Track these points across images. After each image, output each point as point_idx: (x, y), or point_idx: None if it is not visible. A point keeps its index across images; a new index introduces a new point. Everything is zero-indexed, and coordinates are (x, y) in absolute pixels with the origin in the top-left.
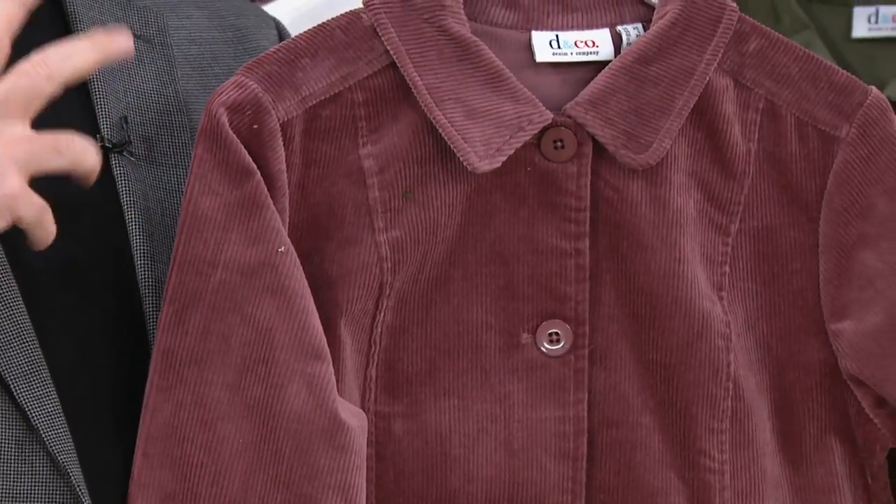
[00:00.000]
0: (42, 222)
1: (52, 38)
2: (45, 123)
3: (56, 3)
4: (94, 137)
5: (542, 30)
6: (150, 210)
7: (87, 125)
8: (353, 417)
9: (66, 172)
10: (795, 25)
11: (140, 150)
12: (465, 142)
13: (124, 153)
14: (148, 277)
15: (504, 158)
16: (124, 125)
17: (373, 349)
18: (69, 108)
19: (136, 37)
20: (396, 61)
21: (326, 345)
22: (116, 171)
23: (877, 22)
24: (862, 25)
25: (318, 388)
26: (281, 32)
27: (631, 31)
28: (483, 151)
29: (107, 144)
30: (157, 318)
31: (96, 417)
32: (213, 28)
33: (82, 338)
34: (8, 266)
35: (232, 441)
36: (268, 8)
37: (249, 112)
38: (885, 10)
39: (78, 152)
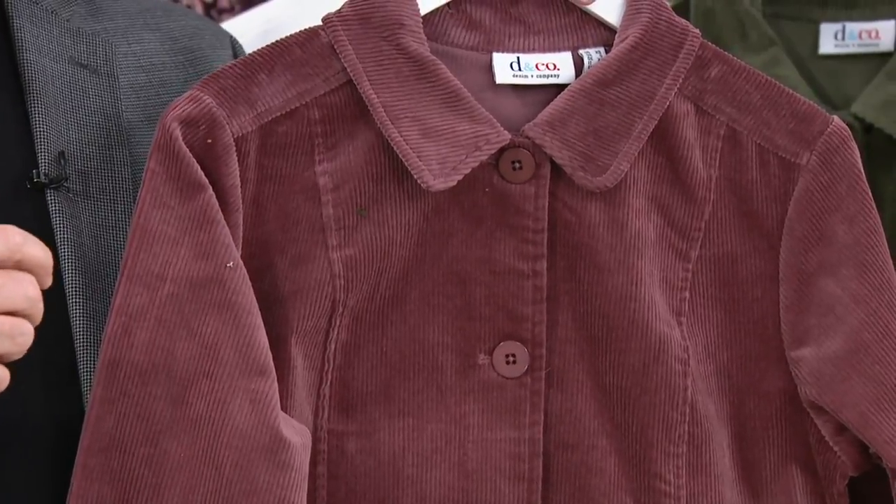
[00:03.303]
0: None
1: None
2: None
3: (2, 27)
4: (31, 171)
5: (503, 52)
6: (84, 246)
7: (26, 158)
8: (297, 435)
9: None
10: (762, 42)
11: (77, 185)
12: (421, 160)
13: (61, 189)
14: (81, 314)
15: (459, 177)
16: (62, 160)
17: (326, 367)
18: (7, 140)
19: (83, 66)
20: (353, 79)
21: (272, 361)
22: (52, 207)
23: (843, 38)
24: (829, 42)
25: (261, 405)
26: (236, 52)
27: (593, 55)
28: (438, 170)
29: (43, 180)
30: (89, 354)
31: (22, 449)
32: (163, 52)
33: (13, 375)
34: None
35: (173, 455)
36: (232, 23)
37: (203, 126)
38: (852, 27)
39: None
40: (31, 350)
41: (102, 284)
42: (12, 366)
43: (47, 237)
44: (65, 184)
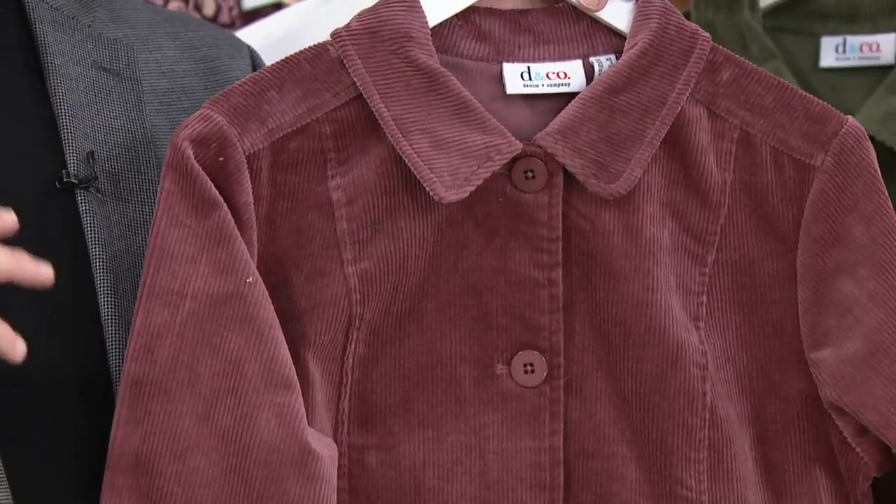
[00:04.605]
0: None
1: (22, 70)
2: (11, 158)
3: (26, 34)
4: (61, 172)
5: (513, 62)
6: (114, 246)
7: (54, 159)
8: (324, 447)
9: None
10: (764, 55)
11: (106, 185)
12: (432, 172)
13: (90, 189)
14: (112, 314)
15: (472, 188)
16: (91, 161)
17: (345, 381)
18: (35, 142)
19: (106, 70)
20: (363, 93)
21: (296, 375)
22: (82, 207)
23: (844, 51)
24: (829, 55)
25: (288, 418)
26: (255, 61)
27: (603, 62)
28: (450, 181)
29: (73, 180)
30: (120, 354)
31: (53, 453)
32: (184, 60)
33: (45, 374)
34: None
35: (202, 472)
36: (238, 34)
37: (215, 145)
38: (853, 40)
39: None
40: (63, 350)
41: (133, 284)
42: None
43: (77, 237)
44: (94, 184)
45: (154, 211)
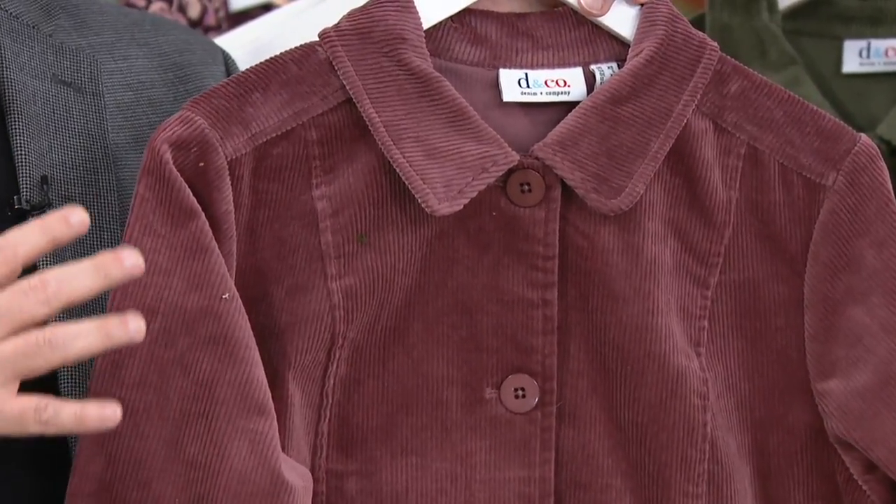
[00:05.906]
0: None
1: None
2: None
3: None
4: (13, 197)
5: (510, 67)
6: None
7: (8, 183)
8: (298, 477)
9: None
10: (783, 60)
11: None
12: (425, 183)
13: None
14: None
15: (466, 201)
16: (45, 186)
17: (325, 403)
18: None
19: (66, 84)
20: (353, 97)
21: (271, 399)
22: None
23: (868, 56)
24: (853, 60)
25: (260, 446)
26: (229, 67)
27: (605, 71)
28: (443, 193)
29: (25, 206)
30: (72, 390)
31: (10, 480)
32: (152, 69)
33: None
34: None
35: (167, 501)
36: (219, 41)
37: (195, 149)
38: (878, 44)
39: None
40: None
41: (88, 317)
42: None
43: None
44: (48, 210)
45: (127, 218)
